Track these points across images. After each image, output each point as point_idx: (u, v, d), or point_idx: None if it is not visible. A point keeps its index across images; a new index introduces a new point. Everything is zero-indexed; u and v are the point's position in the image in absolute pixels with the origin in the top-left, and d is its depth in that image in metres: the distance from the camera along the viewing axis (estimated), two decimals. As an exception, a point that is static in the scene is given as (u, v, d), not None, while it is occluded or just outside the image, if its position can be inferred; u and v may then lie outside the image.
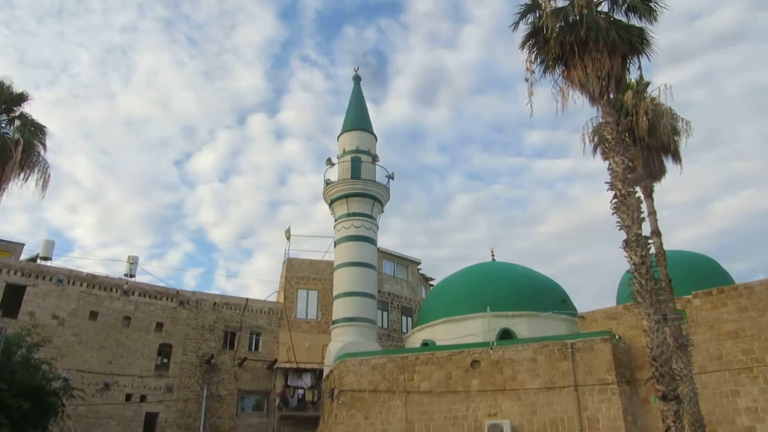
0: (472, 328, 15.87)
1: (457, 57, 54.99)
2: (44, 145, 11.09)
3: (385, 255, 21.32)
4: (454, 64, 54.72)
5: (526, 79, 9.11)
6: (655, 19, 8.95)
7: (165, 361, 17.07)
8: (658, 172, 11.66)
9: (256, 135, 53.72)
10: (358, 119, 21.32)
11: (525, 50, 9.40)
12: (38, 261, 17.07)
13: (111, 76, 51.85)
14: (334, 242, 19.76)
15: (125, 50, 51.83)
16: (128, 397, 15.99)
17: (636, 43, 8.90)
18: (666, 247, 11.15)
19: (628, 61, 9.05)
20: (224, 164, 53.24)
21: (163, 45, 53.04)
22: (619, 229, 8.36)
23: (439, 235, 51.01)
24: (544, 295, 16.71)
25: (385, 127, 50.72)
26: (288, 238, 20.35)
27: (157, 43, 52.55)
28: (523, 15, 9.39)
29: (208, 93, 52.79)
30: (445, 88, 55.76)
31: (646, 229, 8.47)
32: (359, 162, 20.20)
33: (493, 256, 19.74)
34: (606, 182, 8.54)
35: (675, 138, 11.53)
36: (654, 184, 11.59)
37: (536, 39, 9.25)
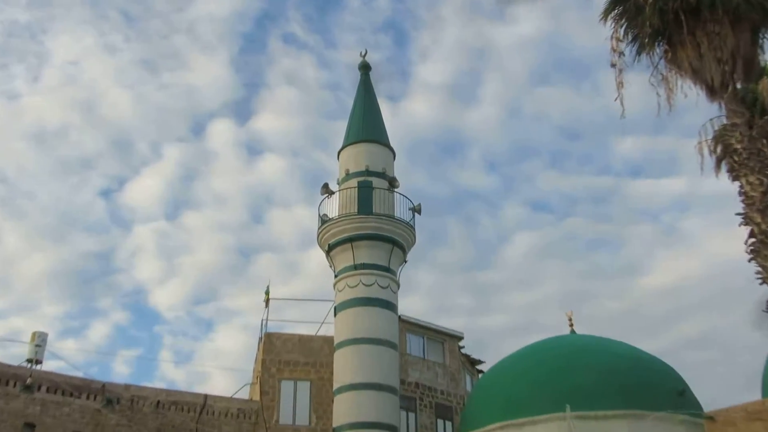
0: (544, 438, 15.69)
1: (509, 32, 55.59)
2: None
3: (411, 326, 20.93)
4: (506, 41, 55.12)
5: (613, 64, 9.44)
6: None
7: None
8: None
9: (219, 150, 54.17)
10: (367, 126, 21.72)
11: (609, 23, 9.63)
12: None
13: (13, 69, 53.04)
14: (335, 308, 19.83)
15: (34, 32, 53.35)
16: None
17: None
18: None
19: (761, 35, 9.08)
20: (173, 194, 54.04)
21: (87, 24, 54.38)
22: (761, 284, 8.27)
23: (490, 294, 50.58)
24: (652, 385, 16.25)
25: (408, 137, 50.75)
26: (266, 302, 20.39)
27: (79, 21, 54.01)
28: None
29: (150, 90, 53.62)
30: (494, 78, 56.41)
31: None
32: (370, 189, 20.45)
33: (571, 325, 19.49)
34: (738, 213, 8.46)
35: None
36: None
37: (625, 6, 9.42)
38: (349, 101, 23.41)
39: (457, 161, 56.16)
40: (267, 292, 20.46)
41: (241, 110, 57.07)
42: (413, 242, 20.72)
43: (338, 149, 22.07)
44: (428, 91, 54.04)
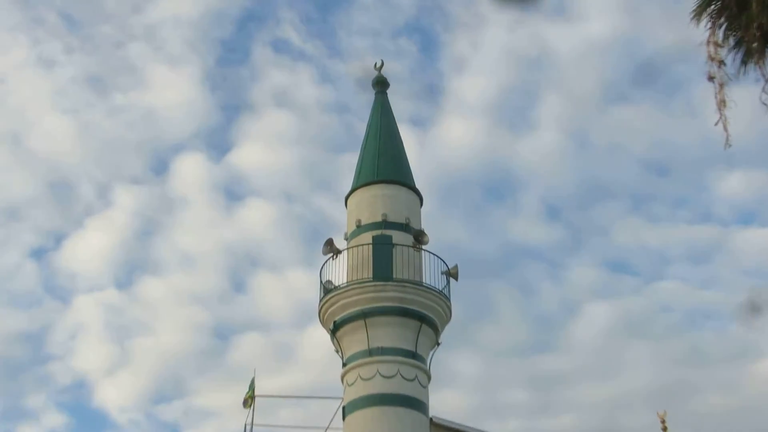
0: None
1: (573, 33, 52.68)
2: None
3: (447, 432, 20.98)
4: (567, 46, 53.22)
5: (711, 77, 9.25)
6: None
7: None
8: None
9: (188, 194, 53.59)
10: (384, 162, 21.73)
11: (704, 23, 9.55)
12: None
13: None
14: (343, 409, 19.47)
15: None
16: None
17: None
18: None
19: None
20: (126, 254, 52.46)
21: (16, 29, 54.59)
22: None
23: (554, 387, 47.37)
24: None
25: (440, 175, 48.92)
26: (250, 401, 20.28)
27: (5, 26, 53.33)
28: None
29: (97, 116, 53.15)
30: (553, 95, 54.56)
31: None
32: (389, 247, 20.10)
33: (665, 429, 19.29)
34: None
35: None
36: None
37: (724, 2, 9.38)
38: (361, 128, 23.63)
39: (506, 207, 54.65)
40: (252, 387, 20.31)
41: (217, 141, 56.51)
42: (448, 318, 20.36)
43: (346, 193, 22.07)
44: (467, 113, 52.72)
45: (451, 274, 20.50)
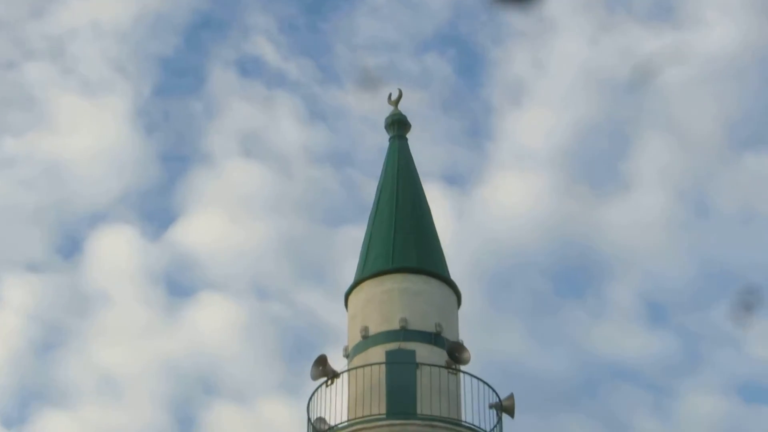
0: None
1: (682, 45, 45.20)
2: None
3: None
4: (676, 64, 49.77)
5: None
6: None
7: None
8: None
9: (110, 287, 46.29)
10: (404, 241, 19.73)
11: None
12: None
13: None
14: None
15: None
16: None
17: None
18: None
19: None
20: (21, 375, 45.44)
21: None
22: None
23: None
24: None
25: (486, 257, 42.49)
26: None
27: None
28: None
29: None
30: (654, 135, 45.67)
31: None
32: (411, 366, 17.98)
33: None
34: None
35: None
36: None
37: None
38: (369, 189, 22.37)
39: (587, 305, 46.86)
40: None
41: (155, 208, 49.43)
42: None
43: (346, 288, 19.76)
44: (526, 165, 45.28)
45: (504, 407, 18.32)
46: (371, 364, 18.04)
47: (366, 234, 20.31)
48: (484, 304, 38.94)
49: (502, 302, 42.29)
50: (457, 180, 45.43)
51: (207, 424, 44.23)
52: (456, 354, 18.18)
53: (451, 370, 18.00)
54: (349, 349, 19.02)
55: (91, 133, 45.25)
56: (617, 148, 46.51)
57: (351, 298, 19.61)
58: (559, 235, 43.25)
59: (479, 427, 17.56)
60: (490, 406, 18.05)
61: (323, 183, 44.00)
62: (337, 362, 18.63)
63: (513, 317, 42.90)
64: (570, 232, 43.98)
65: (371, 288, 19.25)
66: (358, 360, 18.50)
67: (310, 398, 18.30)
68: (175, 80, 50.10)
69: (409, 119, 21.32)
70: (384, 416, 17.48)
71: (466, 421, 17.73)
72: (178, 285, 48.97)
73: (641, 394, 44.24)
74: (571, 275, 47.36)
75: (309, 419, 18.13)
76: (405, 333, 18.38)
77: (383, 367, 17.92)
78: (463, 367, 18.20)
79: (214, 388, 46.85)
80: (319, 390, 18.29)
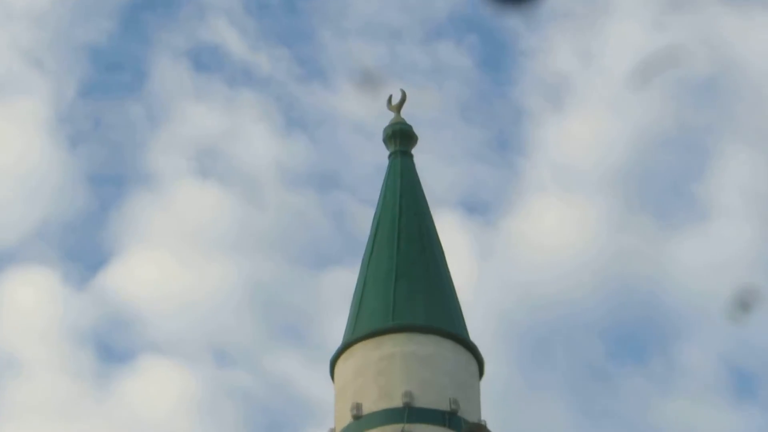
0: None
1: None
2: None
3: None
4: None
5: None
6: None
7: None
8: None
9: (22, 349, 42.48)
10: (408, 291, 18.03)
11: None
12: None
13: None
14: None
15: None
16: None
17: None
18: None
19: None
20: None
21: None
22: None
23: None
24: None
25: (517, 310, 39.57)
26: None
27: None
28: None
29: None
30: (740, 148, 42.82)
31: None
32: None
33: None
34: None
35: None
36: None
37: None
38: (362, 221, 21.11)
39: (651, 373, 43.15)
40: None
41: (80, 248, 45.32)
42: None
43: (332, 353, 17.63)
44: (570, 187, 41.50)
45: None
46: None
47: (359, 281, 18.00)
48: (514, 374, 35.84)
49: (537, 370, 38.13)
50: (479, 208, 41.67)
51: None
52: None
53: None
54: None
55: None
56: (691, 166, 42.23)
57: (339, 365, 17.28)
58: (614, 281, 39.75)
59: None
60: None
61: (303, 212, 39.94)
62: None
63: (552, 390, 39.09)
64: (628, 276, 40.28)
65: (365, 352, 17.09)
66: None
67: None
68: (109, 77, 44.61)
69: (416, 129, 19.25)
70: None
71: None
72: (111, 347, 44.18)
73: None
74: (629, 334, 43.89)
75: None
76: (410, 412, 16.24)
77: None
78: None
79: None
80: None
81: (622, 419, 39.76)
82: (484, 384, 17.45)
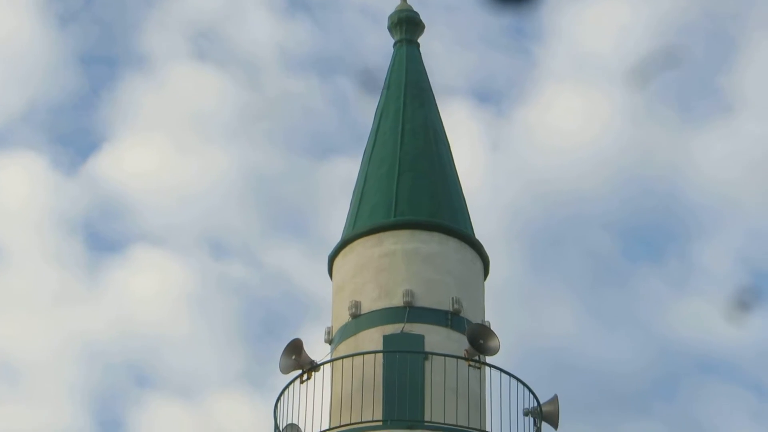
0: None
1: None
2: None
3: None
4: None
5: None
6: None
7: None
8: None
9: (11, 247, 43.96)
10: (411, 186, 18.24)
11: None
12: None
13: None
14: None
15: None
16: None
17: None
18: None
19: None
20: None
21: None
22: None
23: None
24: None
25: (532, 203, 38.96)
26: None
27: None
28: None
29: None
30: None
31: None
32: (418, 358, 16.63)
33: None
34: None
35: None
36: None
37: None
38: (366, 108, 20.90)
39: (667, 273, 42.88)
40: None
41: (70, 132, 45.04)
42: None
43: (331, 249, 18.09)
44: (593, 75, 40.30)
45: (545, 414, 16.76)
46: (363, 353, 16.11)
47: (360, 175, 18.40)
48: (523, 272, 35.51)
49: (548, 269, 37.26)
50: (491, 98, 41.55)
51: (138, 425, 41.16)
52: (480, 341, 16.09)
53: (472, 363, 16.11)
54: (334, 332, 17.20)
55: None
56: (716, 57, 41.36)
57: (338, 262, 17.71)
58: (632, 177, 38.94)
59: None
60: (526, 413, 16.34)
61: (304, 98, 39.39)
62: (317, 349, 16.80)
63: (563, 290, 38.43)
64: (647, 172, 39.80)
65: (365, 249, 17.41)
66: (345, 347, 16.71)
67: (279, 397, 16.60)
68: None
69: (427, 15, 19.34)
70: (380, 424, 15.63)
71: None
72: (102, 237, 44.38)
73: (738, 395, 41.38)
74: (646, 232, 43.47)
75: (277, 426, 16.48)
76: (411, 311, 16.58)
77: (380, 357, 16.03)
78: (489, 359, 16.29)
79: (149, 378, 42.89)
80: (292, 386, 16.56)
81: (635, 321, 39.91)
82: (489, 284, 17.68)
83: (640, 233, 43.41)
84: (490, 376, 16.25)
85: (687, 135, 41.56)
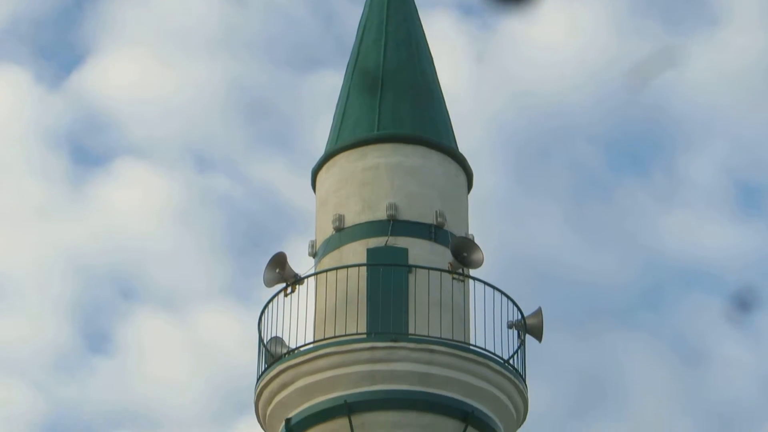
0: None
1: None
2: None
3: None
4: None
5: None
6: None
7: None
8: None
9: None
10: (392, 100, 18.38)
11: None
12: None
13: None
14: None
15: None
16: None
17: None
18: None
19: None
20: None
21: None
22: None
23: None
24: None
25: (514, 112, 39.18)
26: None
27: None
28: None
29: None
30: None
31: None
32: (402, 271, 16.94)
33: None
34: None
35: None
36: None
37: None
38: (351, 19, 19.74)
39: (653, 185, 43.39)
40: None
41: (54, 45, 46.98)
42: (521, 416, 17.21)
43: (314, 162, 18.38)
44: None
45: (529, 326, 17.18)
46: (347, 266, 16.53)
47: (342, 89, 18.62)
48: (507, 185, 35.79)
49: (532, 182, 37.66)
50: (476, 9, 40.38)
51: (123, 338, 41.46)
52: (464, 253, 16.49)
53: (456, 276, 16.58)
54: (318, 245, 17.56)
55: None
56: None
57: (321, 175, 18.01)
58: (619, 89, 38.28)
59: (493, 353, 16.12)
60: (510, 325, 16.81)
61: (288, 8, 40.13)
62: (302, 263, 17.26)
63: (547, 203, 39.38)
64: (633, 83, 42.49)
65: (348, 163, 17.76)
66: (329, 260, 17.10)
67: (263, 311, 16.87)
68: None
69: None
70: (364, 337, 16.03)
71: (475, 345, 16.24)
72: (87, 150, 44.63)
73: (723, 307, 43.45)
74: (632, 144, 43.38)
75: (261, 339, 16.79)
76: (394, 225, 17.03)
77: (363, 270, 16.44)
78: (473, 272, 16.67)
79: (134, 291, 44.19)
80: (276, 300, 16.93)
81: (620, 233, 39.90)
82: (473, 197, 18.09)
83: (626, 145, 43.56)
84: (474, 289, 16.54)
85: (673, 46, 41.46)
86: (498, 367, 16.04)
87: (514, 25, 37.95)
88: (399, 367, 15.71)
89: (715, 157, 40.61)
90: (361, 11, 19.50)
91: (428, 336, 15.82)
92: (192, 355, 39.38)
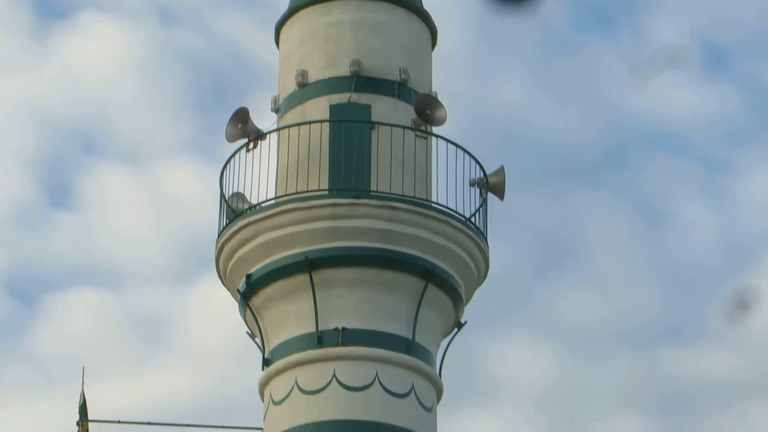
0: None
1: None
2: None
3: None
4: None
5: None
6: None
7: None
8: None
9: None
10: None
11: None
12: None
13: None
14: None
15: None
16: None
17: None
18: None
19: None
20: None
21: None
22: None
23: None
24: None
25: None
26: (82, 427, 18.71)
27: None
28: None
29: None
30: None
31: None
32: (364, 127, 17.08)
33: None
34: None
35: None
36: None
37: None
38: None
39: (618, 44, 43.87)
40: (82, 406, 18.56)
41: None
42: (482, 274, 17.38)
43: (277, 19, 18.23)
44: None
45: (491, 185, 17.27)
46: (309, 122, 16.60)
47: None
48: (472, 43, 35.82)
49: (497, 39, 37.07)
50: None
51: (86, 192, 41.54)
52: (427, 111, 16.60)
53: (419, 133, 16.66)
54: (280, 100, 17.48)
55: None
56: None
57: (285, 31, 17.92)
58: None
59: (455, 211, 16.29)
60: (472, 183, 16.89)
61: None
62: (264, 118, 17.22)
63: (512, 60, 39.38)
64: None
65: (312, 18, 17.62)
66: (291, 116, 17.05)
67: (225, 166, 17.00)
68: None
69: None
70: (326, 193, 16.18)
71: (437, 202, 16.43)
72: (50, 2, 45.49)
73: (687, 168, 42.04)
74: (598, 2, 43.49)
75: (222, 194, 16.90)
76: (357, 81, 17.00)
77: (326, 126, 16.49)
78: (436, 129, 16.74)
79: (96, 145, 43.47)
80: (238, 155, 16.95)
81: (585, 92, 40.26)
82: (437, 54, 18.04)
83: (592, 3, 43.35)
84: (437, 146, 16.63)
85: None
86: (459, 225, 16.33)
87: None
88: (360, 224, 15.96)
89: (681, 17, 39.93)
90: None
91: (390, 193, 16.01)
92: (154, 209, 39.70)
